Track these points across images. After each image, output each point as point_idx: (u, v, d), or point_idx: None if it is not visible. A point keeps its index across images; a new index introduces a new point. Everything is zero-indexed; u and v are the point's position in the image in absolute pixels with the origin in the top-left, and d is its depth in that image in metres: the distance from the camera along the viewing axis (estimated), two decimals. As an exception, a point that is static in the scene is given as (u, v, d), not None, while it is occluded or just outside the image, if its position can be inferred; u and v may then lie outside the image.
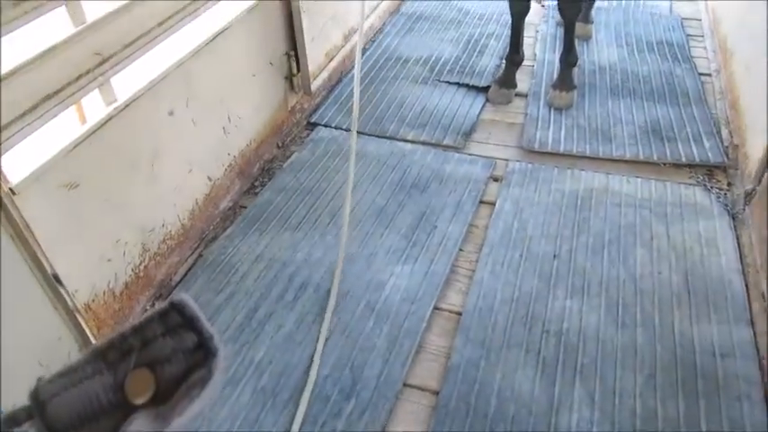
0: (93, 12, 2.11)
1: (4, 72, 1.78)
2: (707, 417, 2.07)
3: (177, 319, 0.54)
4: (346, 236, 2.66)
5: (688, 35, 4.58)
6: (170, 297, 0.56)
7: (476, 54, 4.40)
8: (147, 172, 2.50)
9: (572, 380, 2.20)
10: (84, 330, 2.06)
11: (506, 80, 3.88)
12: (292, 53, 3.51)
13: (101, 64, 2.16)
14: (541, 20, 4.83)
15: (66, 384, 0.52)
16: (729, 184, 3.12)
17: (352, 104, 2.80)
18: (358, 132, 2.62)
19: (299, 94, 3.70)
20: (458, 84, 4.03)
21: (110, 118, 2.24)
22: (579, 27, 3.80)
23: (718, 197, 3.02)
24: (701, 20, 4.85)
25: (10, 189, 1.82)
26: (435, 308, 2.51)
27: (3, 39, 1.77)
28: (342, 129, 3.63)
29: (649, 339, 2.33)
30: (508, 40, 3.87)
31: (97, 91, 2.20)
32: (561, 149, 3.40)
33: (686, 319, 2.41)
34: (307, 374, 2.23)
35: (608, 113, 3.66)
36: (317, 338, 2.36)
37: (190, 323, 0.54)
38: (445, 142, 3.51)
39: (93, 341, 2.05)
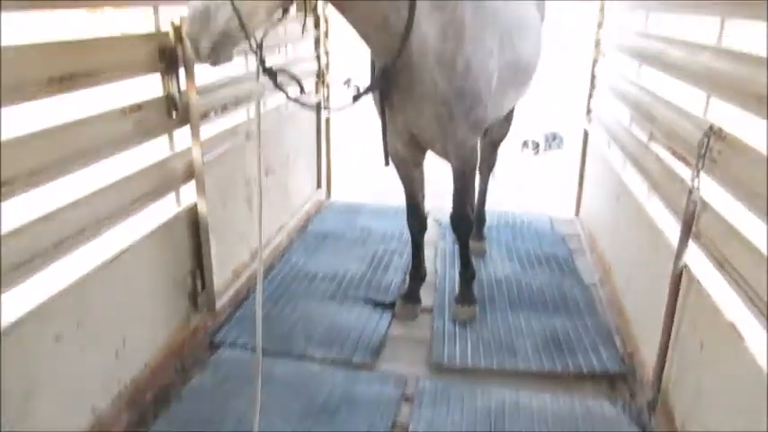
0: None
1: None
2: None
3: None
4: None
5: (571, 249, 5.04)
6: None
7: (381, 270, 4.56)
8: (20, 409, 2.21)
9: None
10: None
11: (411, 295, 3.99)
12: (197, 271, 3.47)
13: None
14: (440, 237, 5.18)
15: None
16: (632, 394, 3.21)
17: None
18: (264, 352, 2.50)
19: (203, 313, 3.58)
20: (365, 300, 4.09)
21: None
22: (473, 244, 4.08)
23: (624, 409, 3.07)
24: (579, 235, 5.39)
25: None
26: None
27: None
28: (246, 349, 3.48)
29: None
30: (410, 256, 4.06)
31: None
32: (469, 364, 3.42)
33: None
34: None
35: (509, 326, 3.79)
36: None
37: None
38: (355, 360, 3.44)
39: None
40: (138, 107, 2.86)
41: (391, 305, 3.98)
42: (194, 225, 3.39)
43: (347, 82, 14.33)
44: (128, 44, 2.86)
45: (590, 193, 5.43)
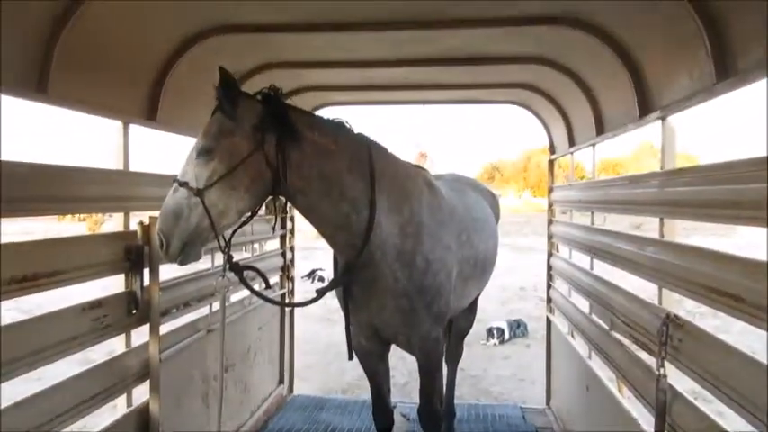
0: None
1: None
2: None
3: None
4: None
5: (545, 443, 4.81)
6: None
7: (346, 473, 4.22)
8: None
9: None
10: None
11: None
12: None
13: None
14: (408, 433, 4.92)
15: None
16: None
17: None
18: None
19: None
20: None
21: None
22: (445, 440, 3.88)
23: None
24: (552, 428, 5.18)
25: None
26: None
27: None
28: None
29: None
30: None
31: None
32: None
33: None
34: None
35: None
36: None
37: None
38: None
39: None
40: (97, 303, 2.80)
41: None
42: (144, 426, 3.14)
43: (311, 274, 14.56)
44: (94, 243, 2.88)
45: (559, 382, 5.34)
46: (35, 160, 2.52)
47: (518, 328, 9.85)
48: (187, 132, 3.58)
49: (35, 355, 2.39)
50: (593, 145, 4.29)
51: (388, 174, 3.09)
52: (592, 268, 4.20)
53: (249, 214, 2.82)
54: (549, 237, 5.64)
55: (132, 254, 3.00)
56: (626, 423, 3.18)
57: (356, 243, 2.96)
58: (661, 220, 2.91)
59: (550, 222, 5.67)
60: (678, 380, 2.57)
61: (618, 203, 3.64)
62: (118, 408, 3.07)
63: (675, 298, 2.87)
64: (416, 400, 3.58)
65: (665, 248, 2.78)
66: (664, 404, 2.52)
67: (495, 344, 9.33)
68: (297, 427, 5.07)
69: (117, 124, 3.22)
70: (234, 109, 2.65)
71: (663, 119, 2.94)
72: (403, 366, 7.67)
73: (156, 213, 2.71)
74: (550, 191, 5.72)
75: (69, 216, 34.78)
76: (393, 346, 3.58)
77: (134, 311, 3.03)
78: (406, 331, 3.24)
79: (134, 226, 3.09)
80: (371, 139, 3.15)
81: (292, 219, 5.80)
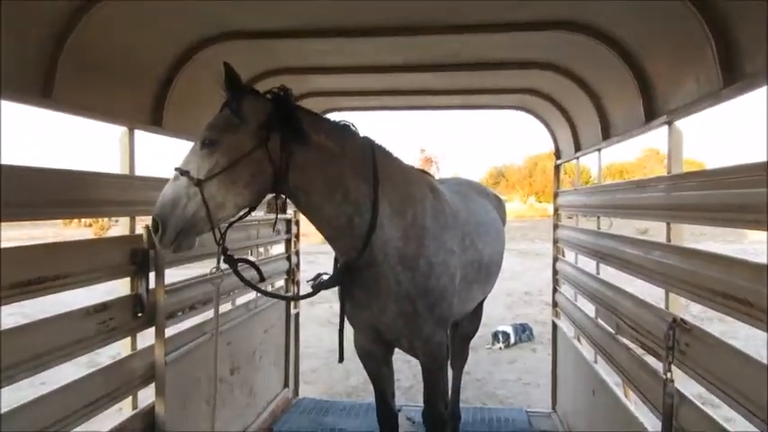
0: None
1: None
2: None
3: None
4: None
5: (551, 448, 4.78)
6: None
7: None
8: None
9: None
10: None
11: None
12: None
13: None
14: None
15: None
16: None
17: None
18: None
19: None
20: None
21: None
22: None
23: None
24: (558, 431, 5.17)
25: None
26: None
27: None
28: None
29: None
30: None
31: None
32: None
33: None
34: None
35: None
36: None
37: None
38: None
39: None
40: (103, 306, 2.81)
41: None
42: (150, 429, 3.14)
43: (316, 279, 14.54)
44: (100, 247, 2.90)
45: (565, 386, 5.31)
46: (40, 165, 2.53)
47: (524, 332, 9.82)
48: (192, 138, 3.58)
49: (41, 358, 2.39)
50: (599, 150, 4.28)
51: (391, 177, 3.10)
52: (598, 272, 4.18)
53: (247, 209, 2.84)
54: (555, 241, 5.63)
55: (138, 257, 3.02)
56: (632, 428, 3.15)
57: (358, 245, 2.97)
58: (668, 224, 2.89)
59: (556, 227, 5.66)
60: (685, 384, 2.56)
61: (624, 208, 3.63)
62: (123, 410, 3.08)
63: (682, 303, 2.86)
64: (421, 403, 3.57)
65: (671, 252, 2.77)
66: (670, 409, 2.50)
67: (500, 348, 9.30)
68: (302, 431, 5.06)
69: (122, 129, 3.24)
70: (239, 106, 2.68)
71: (669, 123, 2.93)
72: (408, 370, 7.66)
73: (151, 221, 2.72)
74: (556, 195, 5.71)
75: (75, 222, 35.11)
76: (397, 350, 3.57)
77: (140, 314, 3.04)
78: (409, 334, 3.23)
79: (140, 230, 3.10)
80: (376, 142, 3.16)
81: (297, 223, 5.81)
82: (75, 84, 2.72)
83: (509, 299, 13.56)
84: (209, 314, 3.99)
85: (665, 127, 2.97)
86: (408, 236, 3.11)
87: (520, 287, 15.08)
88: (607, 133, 4.05)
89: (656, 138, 3.13)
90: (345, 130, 3.03)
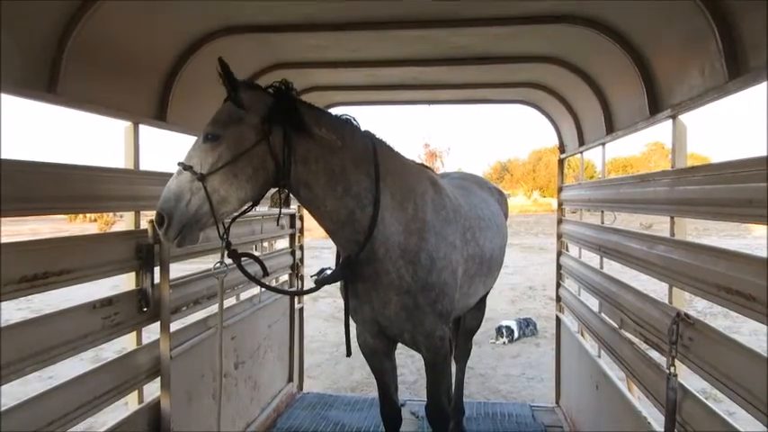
0: None
1: None
2: None
3: None
4: None
5: (554, 442, 4.80)
6: None
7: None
8: None
9: None
10: None
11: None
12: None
13: None
14: (418, 430, 4.92)
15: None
16: None
17: None
18: None
19: None
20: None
21: None
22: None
23: None
24: (561, 427, 5.17)
25: None
26: None
27: None
28: None
29: None
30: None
31: None
32: None
33: None
34: None
35: None
36: None
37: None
38: None
39: None
40: (108, 301, 2.83)
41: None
42: (155, 423, 3.16)
43: (320, 273, 14.59)
44: (104, 242, 2.91)
45: (569, 381, 5.32)
46: (44, 159, 2.54)
47: (527, 327, 9.82)
48: (196, 132, 3.59)
49: (48, 352, 2.41)
50: (603, 144, 4.27)
51: (392, 171, 3.10)
52: (602, 267, 4.18)
53: (250, 204, 2.84)
54: (559, 236, 5.62)
55: (143, 252, 3.03)
56: (636, 422, 3.16)
57: (360, 239, 2.98)
58: (672, 218, 2.89)
59: (560, 221, 5.65)
60: (689, 379, 2.56)
61: (628, 202, 3.63)
62: (129, 404, 3.10)
63: (686, 298, 2.85)
64: (425, 398, 3.57)
65: (675, 247, 2.76)
66: (674, 403, 2.51)
67: (504, 343, 9.30)
68: (306, 425, 5.09)
69: (127, 124, 3.25)
70: (240, 100, 2.69)
71: (674, 117, 2.93)
72: (412, 364, 7.68)
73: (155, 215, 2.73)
74: (560, 190, 5.70)
75: (80, 217, 35.19)
76: (401, 344, 3.58)
77: (145, 309, 3.06)
78: (411, 329, 3.24)
79: (144, 225, 3.11)
80: (376, 136, 3.16)
81: (301, 218, 5.82)
82: (79, 79, 2.73)
83: (513, 293, 13.56)
84: (214, 309, 4.02)
85: (670, 121, 2.96)
86: (410, 230, 3.11)
87: (524, 282, 15.08)
88: (611, 127, 4.04)
89: (660, 132, 3.12)
90: (347, 124, 3.04)
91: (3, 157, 2.23)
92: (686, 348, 2.49)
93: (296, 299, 5.80)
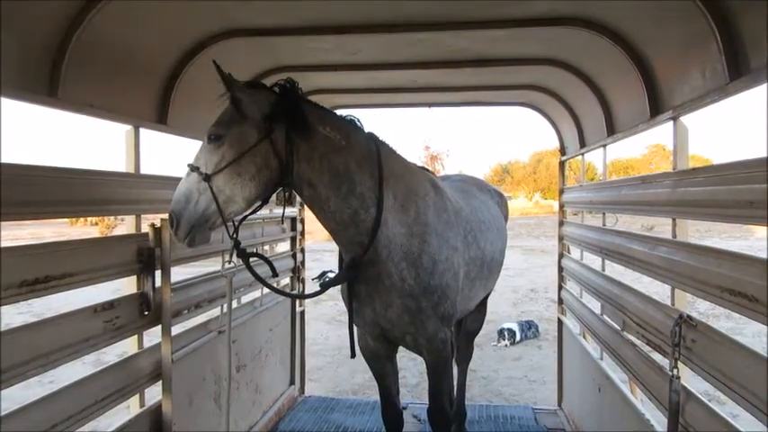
0: None
1: None
2: None
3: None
4: None
5: (557, 445, 4.78)
6: None
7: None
8: None
9: None
10: None
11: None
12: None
13: None
14: (419, 435, 4.92)
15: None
16: None
17: None
18: None
19: None
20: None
21: None
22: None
23: None
24: (564, 430, 5.15)
25: None
26: None
27: None
28: None
29: None
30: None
31: None
32: None
33: None
34: None
35: None
36: None
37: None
38: None
39: None
40: (110, 305, 2.82)
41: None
42: (157, 426, 3.15)
43: (322, 276, 14.56)
44: (106, 245, 2.90)
45: (571, 383, 5.31)
46: (45, 163, 2.54)
47: (529, 329, 9.80)
48: (197, 136, 3.60)
49: (49, 356, 2.41)
50: (604, 146, 4.26)
51: (394, 173, 3.11)
52: (603, 269, 4.17)
53: (259, 203, 2.85)
54: (561, 238, 5.62)
55: (144, 255, 3.03)
56: (638, 424, 3.15)
57: (363, 240, 2.98)
58: (674, 220, 2.88)
59: (561, 224, 5.64)
60: (691, 381, 2.55)
61: (630, 204, 3.62)
62: (131, 408, 3.09)
63: (688, 300, 2.84)
64: (427, 400, 3.56)
65: (677, 249, 2.75)
66: (677, 405, 2.50)
67: (506, 345, 9.29)
68: (308, 428, 5.08)
69: (128, 128, 3.25)
70: (240, 99, 2.70)
71: (675, 119, 2.92)
72: (414, 367, 7.67)
73: (168, 216, 2.76)
74: (561, 192, 5.69)
75: (82, 221, 35.19)
76: (403, 347, 3.57)
77: (146, 313, 3.05)
78: (413, 332, 3.23)
79: (145, 228, 3.11)
80: (379, 138, 3.17)
81: (303, 221, 5.82)
82: (80, 82, 2.73)
83: (515, 296, 13.54)
84: (215, 312, 4.02)
85: (671, 122, 2.96)
86: (412, 232, 3.11)
87: (525, 284, 15.06)
88: (612, 129, 4.04)
89: (661, 133, 3.12)
90: (351, 125, 3.04)
91: (3, 161, 2.23)
92: (689, 350, 2.48)
93: (297, 302, 5.80)
